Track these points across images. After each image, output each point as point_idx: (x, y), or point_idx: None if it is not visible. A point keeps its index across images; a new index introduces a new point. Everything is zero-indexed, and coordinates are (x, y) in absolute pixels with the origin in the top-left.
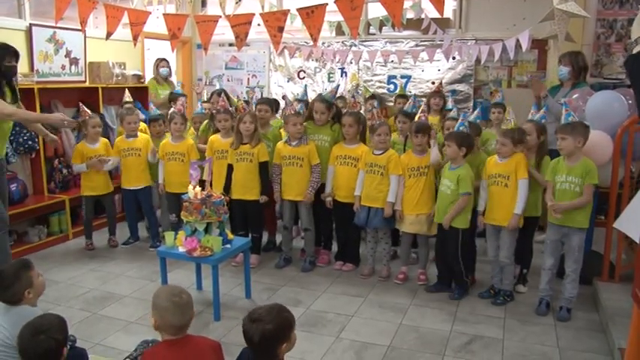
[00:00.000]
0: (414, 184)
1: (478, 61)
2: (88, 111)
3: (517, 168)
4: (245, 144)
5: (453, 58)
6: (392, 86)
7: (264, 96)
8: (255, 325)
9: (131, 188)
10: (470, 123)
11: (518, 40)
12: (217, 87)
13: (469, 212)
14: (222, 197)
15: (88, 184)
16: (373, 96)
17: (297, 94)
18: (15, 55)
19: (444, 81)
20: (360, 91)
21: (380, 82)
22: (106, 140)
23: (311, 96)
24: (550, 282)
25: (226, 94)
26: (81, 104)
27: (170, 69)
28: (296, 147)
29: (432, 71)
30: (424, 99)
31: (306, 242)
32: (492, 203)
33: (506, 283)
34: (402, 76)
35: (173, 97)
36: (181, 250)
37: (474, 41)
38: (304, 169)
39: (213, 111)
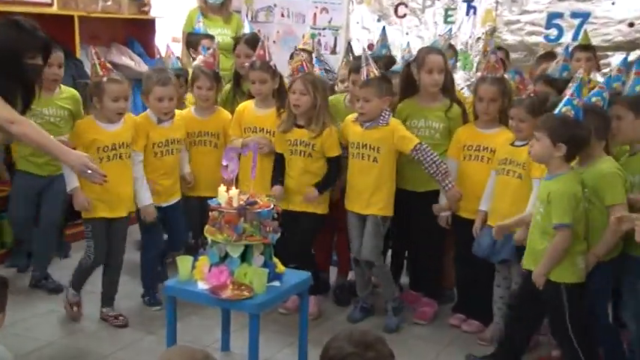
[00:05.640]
0: None
1: None
2: (109, 65)
3: None
4: (300, 127)
5: None
6: (554, 31)
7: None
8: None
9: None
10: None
11: None
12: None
13: (577, 255)
14: (272, 206)
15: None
16: (500, 48)
17: (378, 42)
18: (44, 48)
19: None
20: (493, 42)
21: (533, 24)
22: (134, 119)
23: (415, 46)
24: None
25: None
26: (92, 48)
27: None
28: (369, 129)
29: (628, 4)
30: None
31: (380, 281)
32: None
33: None
34: (574, 14)
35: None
36: (202, 286)
37: None
38: (382, 164)
39: (242, 67)
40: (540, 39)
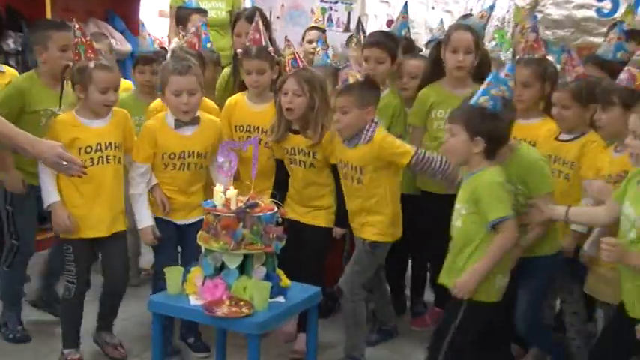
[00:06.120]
0: None
1: None
2: (97, 45)
3: None
4: (296, 132)
5: None
6: (608, 4)
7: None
8: None
9: None
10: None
11: None
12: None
13: (496, 273)
14: (275, 209)
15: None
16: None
17: (398, 19)
18: None
19: None
20: (538, 17)
21: None
22: (123, 113)
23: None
24: None
25: (263, 18)
26: (76, 22)
27: None
28: (352, 148)
29: None
30: None
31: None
32: None
33: None
34: None
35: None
36: (195, 301)
37: None
38: (369, 186)
39: (239, 51)
40: (591, 13)
